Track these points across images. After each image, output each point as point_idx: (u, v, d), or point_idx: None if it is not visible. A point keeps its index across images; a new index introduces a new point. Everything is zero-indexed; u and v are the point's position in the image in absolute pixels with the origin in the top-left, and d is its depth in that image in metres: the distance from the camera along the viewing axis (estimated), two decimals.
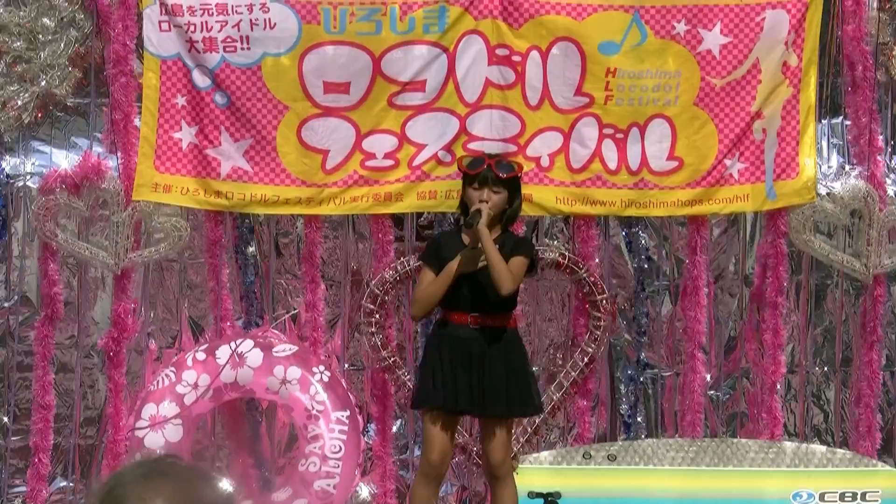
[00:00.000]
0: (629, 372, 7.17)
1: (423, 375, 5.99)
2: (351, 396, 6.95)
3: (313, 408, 6.82)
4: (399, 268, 6.93)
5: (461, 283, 5.85)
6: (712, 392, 7.23)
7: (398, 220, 7.07)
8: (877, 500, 6.86)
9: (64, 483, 7.10)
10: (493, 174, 5.86)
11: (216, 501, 2.30)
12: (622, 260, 7.21)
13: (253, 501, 6.91)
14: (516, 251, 5.84)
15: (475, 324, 5.86)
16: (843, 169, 7.19)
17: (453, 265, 5.84)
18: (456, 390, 5.84)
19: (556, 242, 7.10)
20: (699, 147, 6.93)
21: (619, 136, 6.89)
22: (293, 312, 7.12)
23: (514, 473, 6.70)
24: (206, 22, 6.80)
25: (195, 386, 6.85)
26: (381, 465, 7.03)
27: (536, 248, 6.41)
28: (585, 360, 7.01)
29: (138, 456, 6.77)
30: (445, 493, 7.12)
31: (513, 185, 5.93)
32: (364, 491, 7.03)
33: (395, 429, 7.10)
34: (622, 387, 7.20)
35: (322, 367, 6.89)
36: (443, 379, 5.85)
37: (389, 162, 6.90)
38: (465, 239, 5.92)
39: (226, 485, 2.36)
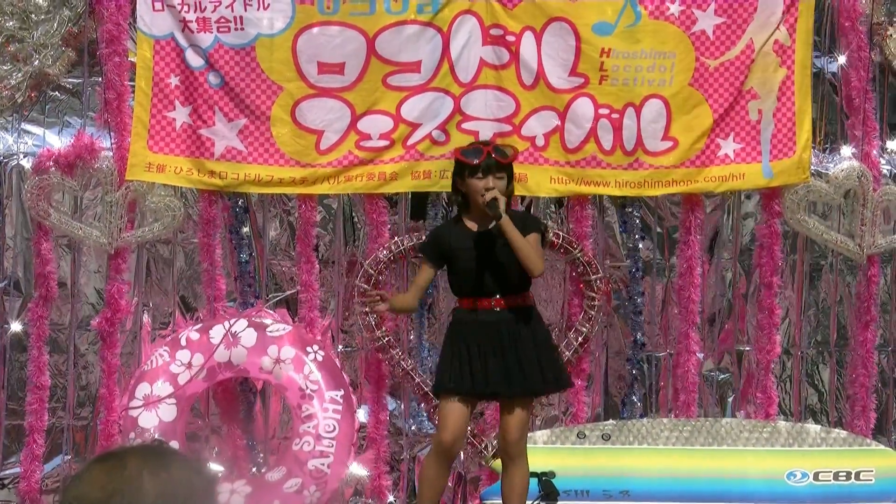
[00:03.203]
0: (624, 352, 7.17)
1: (445, 363, 5.95)
2: (345, 376, 6.94)
3: (307, 387, 6.82)
4: (393, 248, 6.93)
5: (482, 269, 5.85)
6: (707, 372, 7.23)
7: (392, 200, 7.07)
8: (871, 480, 6.87)
9: (58, 463, 7.10)
10: (495, 161, 5.83)
11: (144, 487, 2.28)
12: (616, 240, 7.21)
13: (246, 481, 6.91)
14: (528, 229, 5.82)
15: (501, 306, 5.86)
16: (838, 149, 7.18)
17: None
18: (487, 374, 5.82)
19: (549, 223, 7.10)
20: (693, 127, 6.92)
21: (615, 116, 6.87)
22: (290, 293, 7.11)
23: None
24: (200, 2, 6.79)
25: (189, 365, 6.84)
26: (374, 447, 7.02)
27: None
28: (580, 339, 7.00)
29: (132, 436, 6.79)
30: None
31: (510, 169, 5.93)
32: (359, 470, 7.02)
33: (389, 410, 7.09)
34: (617, 366, 7.20)
35: (316, 347, 6.88)
36: (470, 366, 5.82)
37: (384, 142, 6.89)
38: (468, 225, 5.89)
39: (183, 473, 2.33)
